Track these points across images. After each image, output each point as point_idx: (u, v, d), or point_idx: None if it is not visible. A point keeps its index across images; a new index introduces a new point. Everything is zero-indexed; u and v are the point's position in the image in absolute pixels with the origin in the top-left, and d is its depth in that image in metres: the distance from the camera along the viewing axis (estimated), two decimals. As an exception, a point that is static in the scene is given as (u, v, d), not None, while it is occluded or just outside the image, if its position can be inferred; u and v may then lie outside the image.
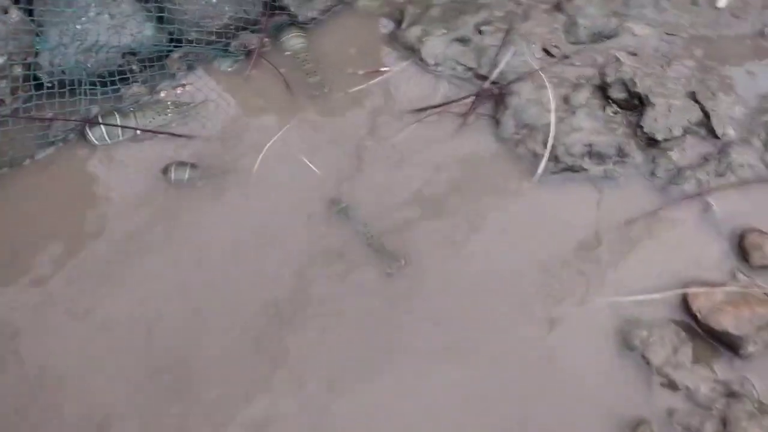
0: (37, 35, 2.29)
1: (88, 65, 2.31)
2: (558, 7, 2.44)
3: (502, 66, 2.29)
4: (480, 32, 2.41)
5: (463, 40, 2.41)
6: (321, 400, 1.81)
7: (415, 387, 1.83)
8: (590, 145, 2.08)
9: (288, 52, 2.51)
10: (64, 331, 1.91)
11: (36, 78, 2.27)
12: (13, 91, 2.22)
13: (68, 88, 2.26)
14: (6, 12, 2.23)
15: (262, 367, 1.86)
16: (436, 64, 2.41)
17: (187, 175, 2.16)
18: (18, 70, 2.25)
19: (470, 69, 2.37)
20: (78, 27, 2.33)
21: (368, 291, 1.96)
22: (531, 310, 1.89)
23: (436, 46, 2.41)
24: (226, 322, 1.94)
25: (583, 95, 2.20)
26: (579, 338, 1.82)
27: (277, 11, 2.54)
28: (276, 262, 2.04)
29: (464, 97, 2.27)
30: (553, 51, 2.34)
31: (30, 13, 2.29)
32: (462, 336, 1.89)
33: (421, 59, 2.42)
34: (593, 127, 2.12)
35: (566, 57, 2.34)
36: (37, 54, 2.28)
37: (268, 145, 2.24)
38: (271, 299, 1.97)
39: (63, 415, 1.81)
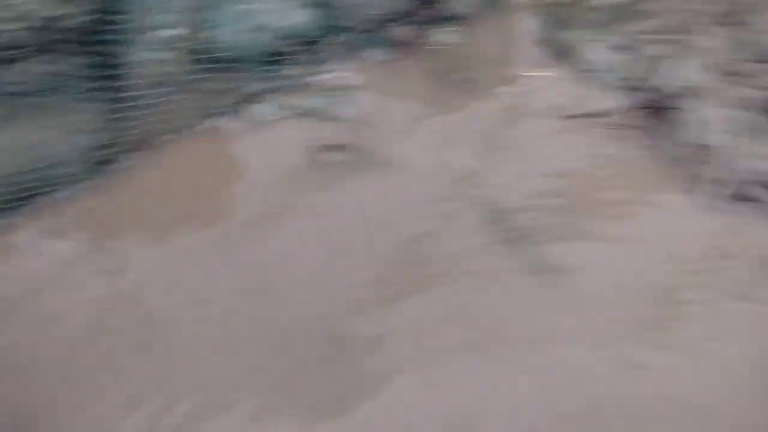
0: (211, 13, 2.42)
1: (255, 44, 2.42)
2: (734, 22, 2.28)
3: (668, 79, 2.17)
4: (646, 42, 2.29)
5: (625, 48, 2.31)
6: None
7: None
8: (765, 174, 1.94)
9: (439, 46, 2.51)
10: (209, 280, 2.03)
11: (209, 52, 2.40)
12: (188, 63, 2.37)
13: (236, 64, 2.39)
14: (185, -11, 2.38)
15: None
16: (593, 71, 2.33)
17: (338, 156, 2.23)
18: (185, 44, 2.40)
19: (630, 79, 2.27)
20: (247, 7, 2.45)
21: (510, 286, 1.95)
22: (675, 338, 1.80)
23: (595, 52, 2.33)
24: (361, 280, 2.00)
25: (757, 119, 2.05)
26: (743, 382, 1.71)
27: (432, 5, 2.54)
28: (414, 247, 2.06)
29: (624, 108, 2.18)
30: (725, 68, 2.20)
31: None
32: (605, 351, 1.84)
33: (577, 64, 2.34)
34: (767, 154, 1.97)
35: (738, 76, 2.18)
36: (210, 30, 2.42)
37: (413, 135, 2.26)
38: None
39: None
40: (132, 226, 2.10)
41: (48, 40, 2.18)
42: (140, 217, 2.12)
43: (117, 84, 2.29)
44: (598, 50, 2.33)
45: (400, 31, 2.53)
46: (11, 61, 2.16)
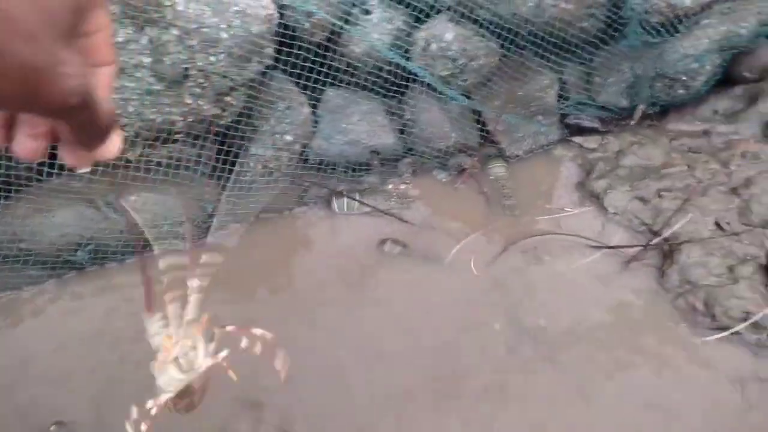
0: (315, 126, 3.13)
1: (346, 154, 3.09)
2: (735, 191, 2.80)
3: (676, 228, 2.67)
4: (660, 196, 2.83)
5: (643, 199, 2.84)
6: None
7: None
8: (747, 314, 2.34)
9: (492, 177, 3.12)
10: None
11: (305, 156, 3.07)
12: (290, 162, 3.04)
13: (327, 167, 3.04)
14: (301, 106, 3.11)
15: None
16: (615, 213, 2.86)
17: (397, 250, 2.75)
18: (296, 147, 3.08)
19: (645, 224, 2.78)
20: (344, 126, 3.14)
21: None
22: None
23: (618, 198, 2.87)
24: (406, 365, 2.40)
25: (747, 270, 2.49)
26: None
27: (490, 144, 3.19)
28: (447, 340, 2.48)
29: (637, 245, 2.67)
30: (725, 226, 2.69)
31: (314, 112, 3.15)
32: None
33: (603, 207, 2.88)
34: (754, 299, 2.39)
35: (736, 234, 2.66)
36: (311, 139, 3.10)
37: (460, 244, 2.77)
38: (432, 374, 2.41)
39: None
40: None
41: (196, 130, 2.88)
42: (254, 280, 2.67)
43: (235, 169, 2.95)
44: (623, 198, 2.87)
45: (463, 161, 3.16)
46: (165, 141, 2.86)
